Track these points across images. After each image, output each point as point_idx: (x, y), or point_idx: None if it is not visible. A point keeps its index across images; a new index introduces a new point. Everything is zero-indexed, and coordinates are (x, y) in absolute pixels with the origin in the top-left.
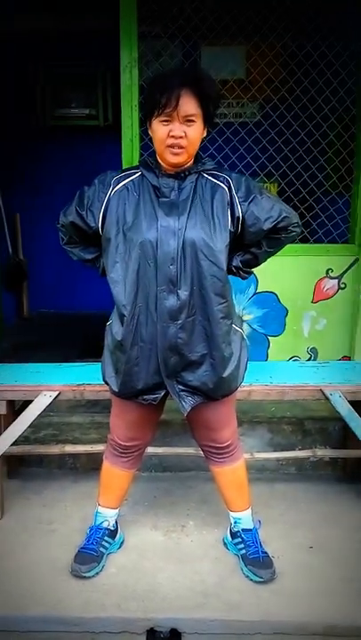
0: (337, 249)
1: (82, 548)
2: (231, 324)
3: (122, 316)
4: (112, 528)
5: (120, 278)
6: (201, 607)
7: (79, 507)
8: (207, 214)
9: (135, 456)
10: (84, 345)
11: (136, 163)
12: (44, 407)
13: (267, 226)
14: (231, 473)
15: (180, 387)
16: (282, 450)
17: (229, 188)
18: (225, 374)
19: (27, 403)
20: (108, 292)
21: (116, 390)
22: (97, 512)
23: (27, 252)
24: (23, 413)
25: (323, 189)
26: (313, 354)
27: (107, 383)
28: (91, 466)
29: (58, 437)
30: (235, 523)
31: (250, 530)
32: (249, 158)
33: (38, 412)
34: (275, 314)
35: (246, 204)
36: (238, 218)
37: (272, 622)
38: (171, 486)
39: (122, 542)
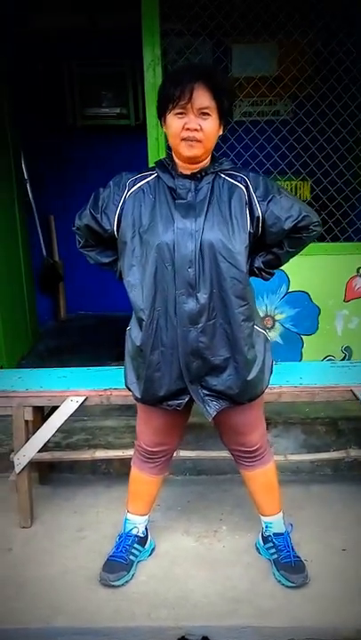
0: None
1: (111, 556)
2: (253, 325)
3: (140, 321)
4: (142, 535)
5: (137, 282)
6: (233, 614)
7: (111, 512)
8: (225, 215)
9: (163, 461)
10: (119, 348)
11: None
12: (71, 413)
13: (288, 225)
14: (262, 476)
15: (205, 391)
16: (316, 451)
17: (247, 188)
18: (250, 377)
19: (56, 408)
20: None
21: (139, 397)
22: (126, 519)
23: (63, 254)
24: (49, 419)
25: (351, 187)
26: (347, 353)
27: (129, 389)
28: (124, 471)
29: (90, 442)
30: (266, 527)
31: (281, 534)
32: (276, 157)
33: (65, 418)
34: (307, 313)
35: (265, 203)
36: (258, 218)
37: (304, 628)
38: (205, 490)
39: (152, 549)
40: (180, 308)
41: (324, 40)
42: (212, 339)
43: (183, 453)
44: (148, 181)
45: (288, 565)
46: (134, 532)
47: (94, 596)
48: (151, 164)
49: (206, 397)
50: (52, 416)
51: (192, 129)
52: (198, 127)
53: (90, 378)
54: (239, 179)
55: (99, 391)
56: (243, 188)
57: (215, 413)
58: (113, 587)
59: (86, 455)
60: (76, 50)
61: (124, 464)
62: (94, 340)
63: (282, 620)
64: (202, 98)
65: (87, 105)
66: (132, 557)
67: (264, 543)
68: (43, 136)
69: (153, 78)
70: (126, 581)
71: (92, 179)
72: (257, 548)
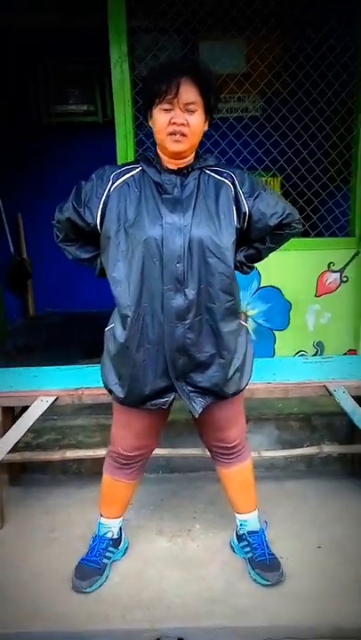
0: (338, 242)
1: (83, 559)
2: (238, 320)
3: (125, 318)
4: (116, 537)
5: (123, 277)
6: (208, 614)
7: (83, 513)
8: (212, 211)
9: (140, 465)
10: (90, 345)
11: (131, 159)
12: (42, 413)
13: (273, 222)
14: (239, 474)
15: (190, 388)
16: (290, 447)
17: (233, 184)
18: (234, 372)
19: (26, 408)
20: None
21: (122, 397)
22: (100, 523)
23: (31, 252)
24: (19, 420)
25: (321, 183)
26: (319, 348)
27: (110, 391)
28: (96, 470)
29: (61, 442)
30: (241, 525)
31: (256, 532)
32: (245, 153)
33: (35, 419)
34: (279, 308)
35: (252, 199)
36: (245, 214)
37: (281, 627)
38: (178, 488)
39: (126, 548)
40: (168, 303)
41: (293, 36)
42: (198, 335)
43: (156, 451)
44: (132, 175)
45: (263, 563)
46: (109, 535)
47: (68, 599)
48: (120, 161)
49: (192, 394)
50: (23, 416)
51: (178, 123)
52: (185, 122)
53: (60, 377)
54: (225, 175)
55: (69, 390)
56: (229, 183)
57: (201, 410)
58: (85, 593)
59: (57, 456)
60: (43, 47)
61: (96, 463)
62: (63, 337)
63: (258, 619)
64: (188, 93)
65: (54, 102)
66: (105, 560)
67: (238, 542)
68: (9, 133)
69: (120, 75)
70: (100, 585)
71: (60, 176)
72: (231, 547)
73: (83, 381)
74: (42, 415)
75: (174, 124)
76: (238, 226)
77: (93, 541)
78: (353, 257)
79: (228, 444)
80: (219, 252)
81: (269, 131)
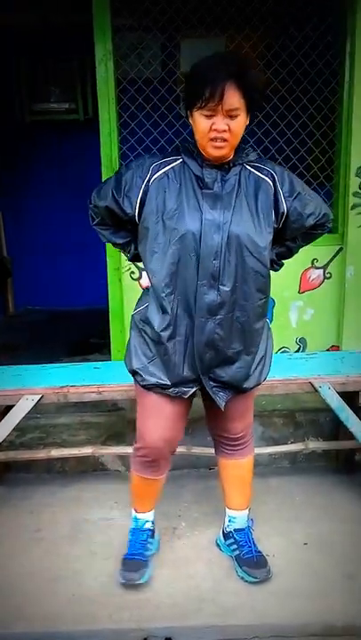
0: (321, 239)
1: (128, 554)
2: (265, 318)
3: (160, 307)
4: (153, 528)
5: (159, 269)
6: (196, 613)
7: (68, 512)
8: (252, 209)
9: (168, 459)
10: (72, 343)
11: (115, 157)
12: (27, 412)
13: (309, 222)
14: (237, 468)
15: (212, 383)
16: (274, 443)
17: (274, 183)
18: (257, 368)
19: (10, 407)
20: (95, 288)
21: (146, 382)
22: (136, 518)
23: (11, 250)
24: (4, 419)
25: (304, 180)
26: (302, 344)
27: (134, 373)
28: (80, 468)
29: (45, 440)
30: (229, 521)
31: (242, 529)
32: None
33: (20, 418)
34: None
35: (291, 199)
36: (283, 213)
37: (269, 625)
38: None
39: (158, 541)
40: (201, 298)
41: (276, 34)
42: (228, 331)
43: None
44: (173, 167)
45: (250, 561)
46: (147, 526)
47: (54, 600)
48: (104, 159)
49: (214, 388)
50: (7, 415)
51: (220, 130)
52: (226, 128)
53: (45, 375)
54: (265, 172)
55: (55, 388)
56: (270, 182)
57: (225, 402)
58: (138, 585)
59: (42, 454)
60: (24, 45)
61: (80, 462)
62: (44, 335)
63: (246, 617)
64: (232, 99)
65: (36, 100)
66: (147, 552)
67: (225, 539)
68: None
69: (105, 73)
70: (148, 576)
71: (42, 174)
72: (218, 545)
73: (68, 379)
74: (28, 413)
75: (216, 130)
76: (276, 225)
77: (133, 535)
78: (336, 253)
79: (233, 435)
80: (256, 251)
81: (252, 128)
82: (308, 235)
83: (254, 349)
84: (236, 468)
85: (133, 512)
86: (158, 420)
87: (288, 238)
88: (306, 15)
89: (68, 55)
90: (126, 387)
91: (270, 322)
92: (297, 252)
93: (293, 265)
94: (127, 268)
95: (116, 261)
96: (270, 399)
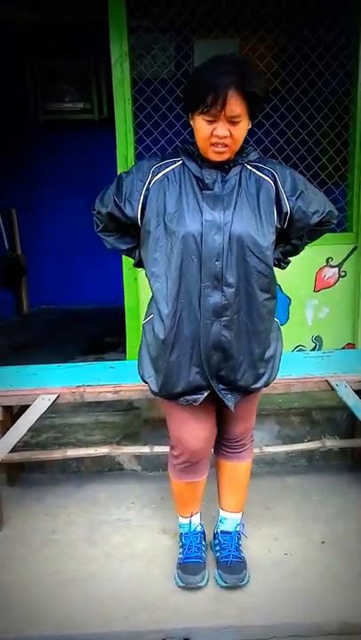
0: (336, 238)
1: (185, 559)
2: (274, 318)
3: (162, 313)
4: (204, 530)
5: (162, 273)
6: (214, 614)
7: (83, 513)
8: (253, 209)
9: (208, 459)
10: (86, 342)
11: (131, 157)
12: (43, 412)
13: (314, 220)
14: (233, 470)
15: (221, 385)
16: (291, 442)
17: (275, 182)
18: (266, 370)
19: (26, 407)
20: (109, 286)
21: (156, 390)
22: (182, 524)
23: (25, 248)
24: (20, 419)
25: (319, 179)
26: (318, 342)
27: (146, 382)
28: (95, 469)
29: (60, 440)
30: (219, 522)
31: (229, 532)
32: None
33: (36, 418)
34: (278, 303)
35: (294, 199)
36: (286, 214)
37: (287, 624)
38: None
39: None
40: (205, 301)
41: (290, 36)
42: (234, 333)
43: (157, 449)
44: (173, 169)
45: (224, 565)
46: (199, 529)
47: (69, 602)
48: (120, 159)
49: (222, 391)
50: (24, 415)
51: (221, 136)
52: (228, 134)
53: (61, 375)
54: (266, 172)
55: (71, 388)
56: (271, 182)
57: (234, 405)
58: (199, 588)
59: (58, 454)
60: (39, 44)
61: (95, 462)
62: (59, 334)
63: (264, 617)
64: (234, 105)
65: (50, 99)
66: (204, 554)
67: (213, 539)
68: (5, 130)
69: (121, 74)
70: (208, 578)
71: (55, 173)
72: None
73: (84, 379)
74: (44, 413)
75: (217, 136)
76: (279, 225)
77: (187, 539)
78: (351, 252)
79: (233, 437)
80: (259, 251)
81: (268, 128)
82: (314, 232)
83: (262, 350)
84: (232, 471)
85: (180, 519)
86: (188, 423)
87: (293, 237)
88: (319, 17)
89: (83, 54)
90: (142, 386)
91: (286, 320)
92: (303, 250)
93: (309, 264)
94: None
95: (131, 260)
96: (287, 397)
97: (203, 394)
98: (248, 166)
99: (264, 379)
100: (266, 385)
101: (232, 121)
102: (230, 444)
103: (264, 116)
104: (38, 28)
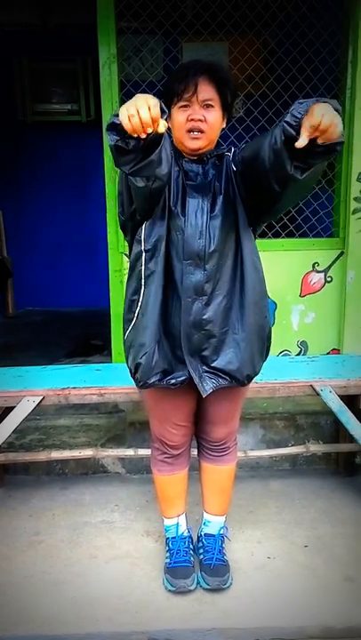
0: (322, 243)
1: (172, 563)
2: (261, 297)
3: (148, 288)
4: (190, 534)
5: (148, 236)
6: (197, 616)
7: (67, 515)
8: (228, 192)
9: (187, 450)
10: (71, 344)
11: None
12: (27, 413)
13: (272, 140)
14: (216, 473)
15: (205, 367)
16: (275, 446)
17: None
18: (250, 353)
19: (10, 408)
20: (95, 289)
21: (139, 375)
22: (168, 526)
23: (12, 250)
24: (4, 421)
25: None
26: (303, 347)
27: (131, 370)
28: (80, 471)
29: (45, 442)
30: (203, 524)
31: (213, 535)
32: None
33: (21, 419)
34: None
35: (238, 154)
36: (235, 172)
37: (269, 627)
38: None
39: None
40: (187, 278)
41: (279, 40)
42: (215, 311)
43: (141, 452)
44: None
45: (207, 567)
46: (186, 533)
47: (54, 603)
48: (107, 162)
49: (205, 374)
50: (8, 417)
51: (196, 119)
52: (202, 118)
53: (46, 377)
54: (227, 153)
55: (56, 390)
56: (230, 155)
57: (211, 390)
58: (190, 591)
59: (42, 456)
60: (27, 46)
61: (80, 464)
62: (45, 336)
63: (246, 620)
64: (205, 91)
65: (38, 101)
66: (192, 558)
67: (197, 542)
68: None
69: (109, 76)
70: (198, 581)
71: (43, 175)
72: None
73: (69, 381)
74: (28, 415)
75: (192, 120)
76: (244, 194)
77: (174, 544)
78: (337, 257)
79: (215, 440)
80: (241, 228)
81: (256, 132)
82: (309, 153)
83: (244, 331)
84: (217, 474)
85: (165, 521)
86: (163, 414)
87: (282, 178)
88: (308, 22)
89: (72, 56)
90: (128, 389)
91: (272, 324)
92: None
93: (295, 269)
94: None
95: (118, 263)
96: (272, 402)
97: (182, 376)
98: (223, 156)
99: (249, 365)
100: (250, 376)
101: (205, 104)
102: (213, 447)
103: (252, 120)
104: (27, 29)
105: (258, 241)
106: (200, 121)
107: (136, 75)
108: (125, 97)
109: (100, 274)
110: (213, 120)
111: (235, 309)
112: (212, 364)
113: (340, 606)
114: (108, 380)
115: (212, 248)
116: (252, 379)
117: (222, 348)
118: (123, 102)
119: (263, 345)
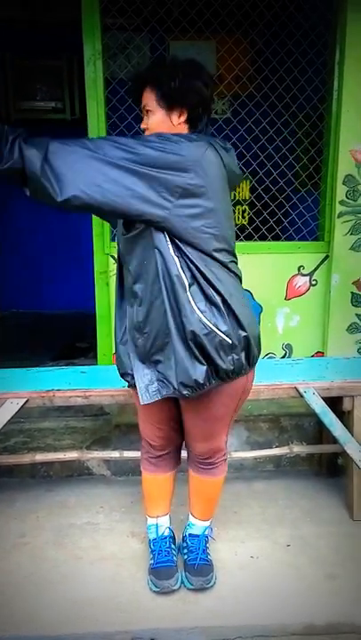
0: (308, 246)
1: (156, 564)
2: (186, 294)
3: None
4: (173, 535)
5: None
6: (181, 615)
7: (52, 517)
8: None
9: (170, 455)
10: (57, 346)
11: None
12: (11, 416)
13: None
14: (203, 484)
15: (158, 373)
16: (259, 447)
17: None
18: (181, 358)
19: None
20: (81, 291)
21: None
22: (150, 525)
23: None
24: None
25: (292, 187)
26: (288, 350)
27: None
28: (65, 473)
29: (29, 445)
30: (188, 525)
31: (197, 535)
32: None
33: (5, 421)
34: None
35: None
36: None
37: (252, 625)
38: None
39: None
40: (125, 280)
41: (266, 40)
42: (146, 314)
43: (127, 454)
44: None
45: (191, 567)
46: (166, 533)
47: (40, 604)
48: None
49: (158, 382)
50: None
51: (142, 128)
52: (146, 126)
53: (31, 379)
54: None
55: (41, 392)
56: None
57: (149, 401)
58: (174, 591)
59: (27, 459)
60: (11, 42)
61: (65, 467)
62: (29, 338)
63: (230, 618)
64: (146, 100)
65: (22, 98)
66: (175, 558)
67: (182, 541)
68: None
69: (93, 73)
70: (182, 581)
71: None
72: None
73: (54, 383)
74: (12, 417)
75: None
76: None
77: (155, 545)
78: (322, 261)
79: (196, 454)
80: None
81: (242, 134)
82: None
83: (186, 331)
84: (201, 484)
85: (148, 519)
86: (145, 417)
87: None
88: (296, 22)
89: (56, 53)
90: (113, 391)
91: (258, 331)
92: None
93: (280, 272)
94: (114, 271)
95: (103, 265)
96: (256, 404)
97: (132, 381)
98: None
99: (188, 375)
100: (194, 387)
101: (146, 111)
102: (199, 461)
103: (239, 121)
104: (11, 25)
105: (244, 244)
106: (145, 129)
107: (122, 72)
108: (111, 95)
109: (86, 276)
110: (153, 124)
111: (168, 311)
112: (160, 371)
113: (322, 604)
114: (93, 383)
115: (128, 248)
116: (191, 388)
117: (165, 353)
118: (108, 100)
119: (201, 351)
